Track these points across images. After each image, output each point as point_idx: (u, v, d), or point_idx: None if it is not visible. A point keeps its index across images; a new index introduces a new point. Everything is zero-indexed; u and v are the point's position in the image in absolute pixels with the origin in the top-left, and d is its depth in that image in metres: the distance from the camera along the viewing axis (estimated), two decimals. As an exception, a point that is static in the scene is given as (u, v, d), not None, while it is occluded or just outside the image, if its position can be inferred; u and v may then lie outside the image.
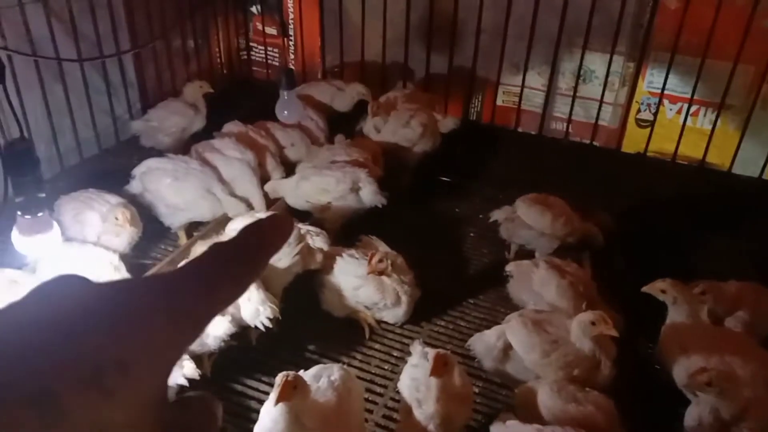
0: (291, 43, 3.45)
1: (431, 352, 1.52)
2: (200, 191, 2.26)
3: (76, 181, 2.37)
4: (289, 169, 2.57)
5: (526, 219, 2.19)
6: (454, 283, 2.25)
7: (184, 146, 2.67)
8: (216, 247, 0.36)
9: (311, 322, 2.02)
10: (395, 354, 1.95)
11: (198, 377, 1.55)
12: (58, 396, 0.27)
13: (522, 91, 3.03)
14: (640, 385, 1.82)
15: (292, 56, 3.49)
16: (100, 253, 1.93)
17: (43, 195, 1.72)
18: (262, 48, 3.54)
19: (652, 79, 2.81)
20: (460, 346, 1.91)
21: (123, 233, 2.05)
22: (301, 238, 1.97)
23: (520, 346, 1.69)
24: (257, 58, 3.59)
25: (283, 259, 1.91)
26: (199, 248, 2.09)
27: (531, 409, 1.55)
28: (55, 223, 1.80)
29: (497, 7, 2.86)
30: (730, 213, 2.45)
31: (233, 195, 2.31)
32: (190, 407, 0.35)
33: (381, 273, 1.93)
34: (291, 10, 3.36)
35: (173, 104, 2.79)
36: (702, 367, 1.53)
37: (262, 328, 1.77)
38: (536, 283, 1.97)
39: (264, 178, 2.46)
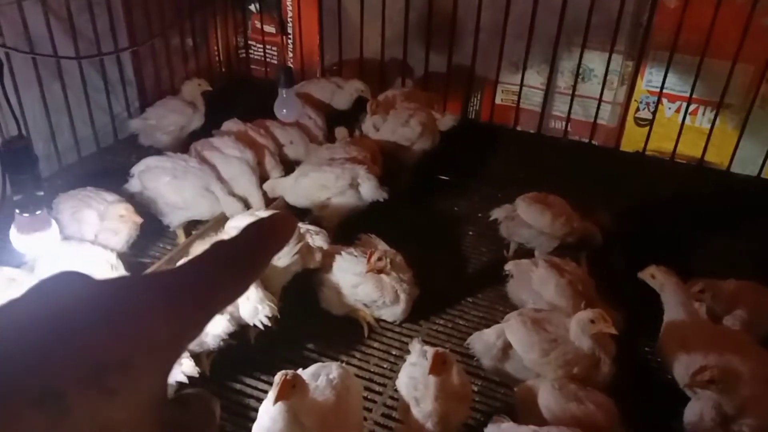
0: (290, 41, 3.45)
1: (430, 351, 1.52)
2: (199, 190, 2.26)
3: (75, 179, 2.37)
4: (288, 167, 2.57)
5: (526, 218, 2.19)
6: (453, 282, 2.25)
7: (182, 145, 2.66)
8: (217, 246, 0.36)
9: (310, 321, 2.02)
10: (394, 352, 1.94)
11: (197, 375, 1.55)
12: (62, 395, 0.27)
13: (521, 89, 3.03)
14: (639, 383, 1.82)
15: (290, 54, 3.48)
16: (98, 252, 1.93)
17: (42, 193, 1.72)
18: (261, 46, 3.53)
19: (651, 78, 2.81)
20: (459, 345, 1.91)
21: (123, 230, 2.05)
22: (301, 237, 1.97)
23: (519, 345, 1.69)
24: (256, 57, 3.59)
25: (283, 258, 1.91)
26: (198, 247, 2.09)
27: (531, 407, 1.55)
28: (53, 222, 1.80)
29: (496, 5, 2.86)
30: (729, 212, 2.45)
31: (232, 194, 2.31)
32: (188, 405, 0.35)
33: (380, 271, 1.93)
34: (290, 8, 3.36)
35: (172, 102, 2.78)
36: (702, 365, 1.53)
37: (260, 326, 1.77)
38: (535, 282, 1.97)
39: (263, 177, 2.46)
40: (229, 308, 1.72)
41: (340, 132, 2.74)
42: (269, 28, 3.48)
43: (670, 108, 2.83)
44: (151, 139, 2.73)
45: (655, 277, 1.86)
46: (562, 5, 2.73)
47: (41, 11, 2.38)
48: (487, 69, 3.05)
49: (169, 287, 0.33)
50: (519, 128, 3.12)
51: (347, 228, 2.29)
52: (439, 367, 1.47)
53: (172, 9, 2.97)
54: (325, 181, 2.28)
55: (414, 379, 1.55)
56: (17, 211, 1.72)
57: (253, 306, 1.74)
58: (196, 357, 1.68)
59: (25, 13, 2.31)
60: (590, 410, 1.48)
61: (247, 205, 2.32)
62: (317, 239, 2.01)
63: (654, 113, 2.83)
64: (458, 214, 2.66)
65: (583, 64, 2.87)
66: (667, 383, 1.76)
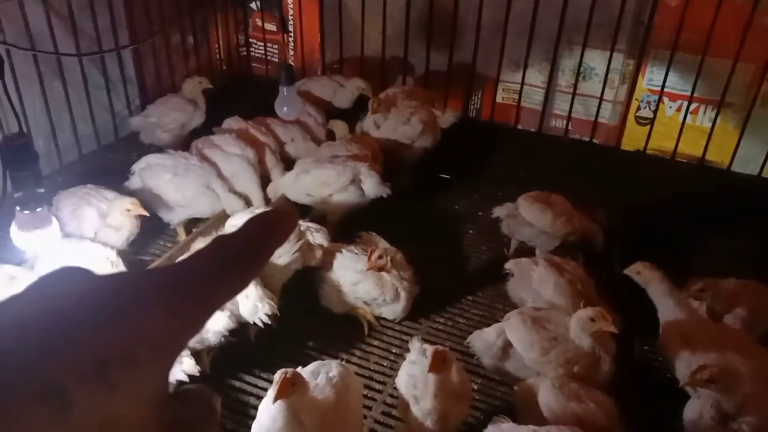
0: (290, 39, 3.45)
1: (430, 349, 1.52)
2: (200, 187, 2.26)
3: (75, 176, 2.37)
4: (289, 165, 2.57)
5: (528, 217, 2.19)
6: (453, 280, 2.25)
7: (183, 142, 2.66)
8: (219, 240, 0.36)
9: (310, 319, 2.02)
10: (394, 350, 1.95)
11: (197, 373, 1.55)
12: (64, 390, 0.27)
13: (522, 88, 3.02)
14: (638, 382, 1.82)
15: (291, 52, 3.48)
16: (98, 249, 1.93)
17: (42, 190, 1.72)
18: (262, 44, 3.53)
19: (651, 77, 2.80)
20: (459, 344, 1.91)
21: (126, 226, 2.06)
22: (301, 235, 1.97)
23: (519, 343, 1.69)
24: (257, 55, 3.59)
25: (283, 256, 1.91)
26: (198, 244, 2.09)
27: (531, 406, 1.55)
28: (54, 219, 1.80)
29: (497, 3, 2.86)
30: (730, 211, 2.45)
31: (233, 191, 2.31)
32: (189, 400, 0.34)
33: (380, 269, 1.94)
34: (290, 6, 3.36)
35: (172, 100, 2.78)
36: (702, 364, 1.53)
37: (260, 324, 1.77)
38: (535, 281, 1.97)
39: (264, 175, 2.46)
40: (230, 306, 1.72)
41: (338, 127, 2.72)
42: (270, 26, 3.47)
43: (671, 107, 2.83)
44: (151, 136, 2.72)
45: (640, 273, 1.88)
46: (563, 4, 2.73)
47: (42, 8, 2.38)
48: (488, 67, 3.05)
49: (170, 283, 0.33)
50: (520, 127, 3.12)
51: (347, 226, 2.29)
52: (438, 364, 1.47)
53: (172, 6, 2.97)
54: (327, 178, 2.28)
55: (413, 377, 1.55)
56: (18, 208, 1.71)
57: (252, 304, 1.74)
58: (197, 354, 1.68)
59: (26, 10, 2.31)
60: (590, 409, 1.49)
61: (248, 203, 2.32)
62: (317, 237, 2.01)
63: (655, 112, 2.83)
64: (459, 212, 2.66)
65: (584, 63, 2.87)
66: (666, 382, 1.76)
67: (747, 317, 1.87)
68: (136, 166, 2.35)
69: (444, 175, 2.86)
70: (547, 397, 1.53)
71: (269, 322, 1.78)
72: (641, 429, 1.64)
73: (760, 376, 1.55)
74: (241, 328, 1.82)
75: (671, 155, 2.86)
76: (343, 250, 2.03)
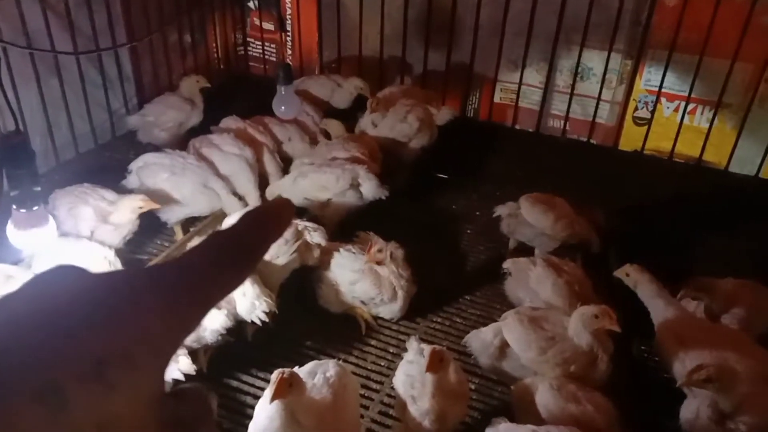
0: (288, 38, 3.44)
1: (427, 349, 1.52)
2: (197, 186, 2.26)
3: (72, 175, 2.36)
4: (287, 164, 2.57)
5: (529, 218, 2.20)
6: (450, 280, 2.25)
7: (181, 141, 2.66)
8: (214, 237, 0.36)
9: (307, 318, 2.02)
10: (391, 350, 1.95)
11: (194, 372, 1.55)
12: (61, 389, 0.27)
13: (519, 88, 3.03)
14: (635, 382, 1.83)
15: (289, 52, 3.48)
16: (95, 248, 1.93)
17: (39, 189, 1.72)
18: (260, 43, 3.53)
19: (649, 77, 2.81)
20: (457, 343, 1.90)
21: (126, 225, 2.05)
22: (299, 234, 1.97)
23: (516, 343, 1.69)
24: (254, 54, 3.58)
25: (281, 256, 1.92)
26: (195, 243, 2.08)
27: (528, 406, 1.55)
28: (50, 218, 1.80)
29: (495, 3, 2.86)
30: (727, 211, 2.45)
31: (231, 190, 2.31)
32: (185, 399, 0.35)
33: (379, 263, 1.94)
34: (288, 5, 3.35)
35: (170, 99, 2.78)
36: (699, 364, 1.53)
37: (258, 322, 1.77)
38: (533, 281, 1.97)
39: (262, 174, 2.45)
40: (227, 304, 1.72)
41: (333, 126, 2.72)
42: (268, 25, 3.47)
43: (668, 107, 2.83)
44: (149, 135, 2.72)
45: (629, 275, 1.89)
46: (562, 3, 2.73)
47: (39, 6, 2.37)
48: (486, 67, 3.05)
49: (166, 280, 0.33)
50: (518, 127, 3.12)
51: (345, 226, 2.28)
52: (435, 364, 1.47)
53: (170, 5, 2.97)
54: (326, 183, 2.28)
55: (411, 377, 1.55)
56: (14, 206, 1.71)
57: (250, 302, 1.74)
58: (194, 353, 1.68)
59: (23, 8, 2.31)
60: (587, 409, 1.49)
61: (246, 202, 2.32)
62: (315, 236, 2.01)
63: (652, 112, 2.83)
64: (456, 212, 2.66)
65: (582, 63, 2.87)
66: (663, 382, 1.76)
67: (745, 317, 1.87)
68: (134, 165, 2.34)
69: (442, 175, 2.86)
70: (544, 397, 1.53)
71: (267, 320, 1.78)
72: (638, 429, 1.64)
73: (757, 375, 1.55)
74: (238, 327, 1.81)
75: (669, 156, 2.86)
76: (341, 250, 2.03)
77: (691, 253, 2.32)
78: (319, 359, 1.61)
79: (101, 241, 2.00)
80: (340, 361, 1.61)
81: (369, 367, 1.89)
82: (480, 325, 1.85)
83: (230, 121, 2.70)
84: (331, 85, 3.04)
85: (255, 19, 3.49)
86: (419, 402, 1.50)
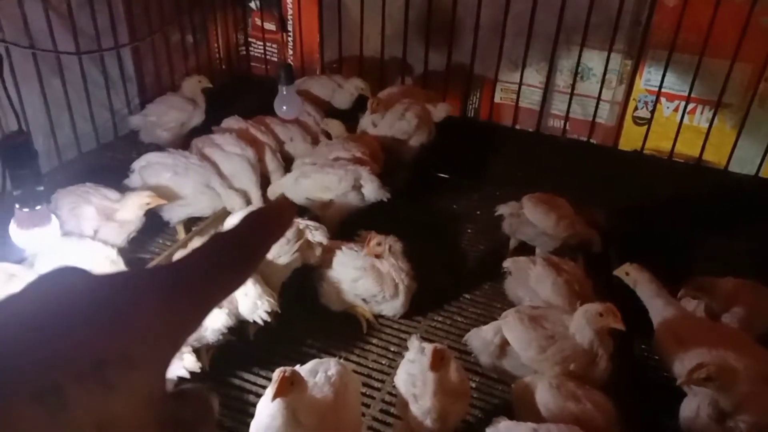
0: (290, 38, 3.45)
1: (428, 347, 1.53)
2: (200, 186, 2.26)
3: (74, 175, 2.36)
4: (288, 164, 2.57)
5: (531, 218, 2.20)
6: (451, 279, 2.26)
7: (183, 141, 2.66)
8: (215, 237, 0.36)
9: (309, 317, 2.03)
10: (392, 348, 1.95)
11: (198, 369, 1.56)
12: (61, 390, 0.27)
13: (520, 88, 3.03)
14: (635, 380, 1.83)
15: (290, 52, 3.48)
16: (98, 248, 1.93)
17: (42, 188, 1.72)
18: (261, 43, 3.53)
19: (649, 77, 2.81)
20: (457, 342, 1.91)
21: (131, 223, 2.06)
22: (300, 234, 1.97)
23: (516, 342, 1.69)
24: (256, 54, 3.59)
25: (283, 256, 1.92)
26: (197, 243, 2.09)
27: (528, 405, 1.56)
28: (53, 217, 1.80)
29: (495, 3, 2.86)
30: (727, 211, 2.45)
31: (233, 190, 2.31)
32: (186, 399, 0.35)
33: (378, 256, 1.95)
34: (290, 5, 3.36)
35: (172, 99, 2.78)
36: (699, 363, 1.54)
37: (260, 322, 1.77)
38: (532, 280, 1.97)
39: (263, 174, 2.46)
40: (228, 304, 1.73)
41: (333, 126, 2.72)
42: (269, 26, 3.47)
43: (668, 107, 2.83)
44: (151, 135, 2.73)
45: (629, 274, 1.89)
46: (562, 4, 2.74)
47: (41, 6, 2.38)
48: (486, 67, 3.05)
49: (167, 281, 0.33)
50: (518, 127, 3.12)
51: (346, 225, 2.29)
52: (438, 362, 1.48)
53: (172, 5, 2.97)
54: (329, 183, 2.28)
55: (412, 375, 1.55)
56: (17, 206, 1.72)
57: (252, 302, 1.75)
58: (196, 352, 1.68)
59: (26, 9, 2.31)
60: (587, 408, 1.49)
61: (249, 202, 2.33)
62: (317, 235, 2.02)
63: (652, 112, 2.83)
64: (457, 211, 2.66)
65: (582, 63, 2.87)
66: (663, 380, 1.76)
67: (745, 316, 1.87)
68: (136, 165, 2.35)
69: (442, 175, 2.87)
70: (543, 396, 1.53)
71: (269, 320, 1.78)
72: (638, 428, 1.65)
73: (757, 374, 1.56)
74: (240, 327, 1.82)
75: (668, 155, 2.86)
76: (343, 247, 2.04)
77: (691, 253, 2.32)
78: (321, 358, 1.62)
79: (105, 240, 2.01)
80: (342, 360, 1.62)
81: (370, 366, 1.90)
82: (481, 324, 1.86)
83: (232, 121, 2.71)
84: (332, 85, 3.04)
85: (256, 19, 3.50)
86: (421, 401, 1.50)
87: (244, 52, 3.60)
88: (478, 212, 2.62)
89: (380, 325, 2.04)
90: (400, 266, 1.98)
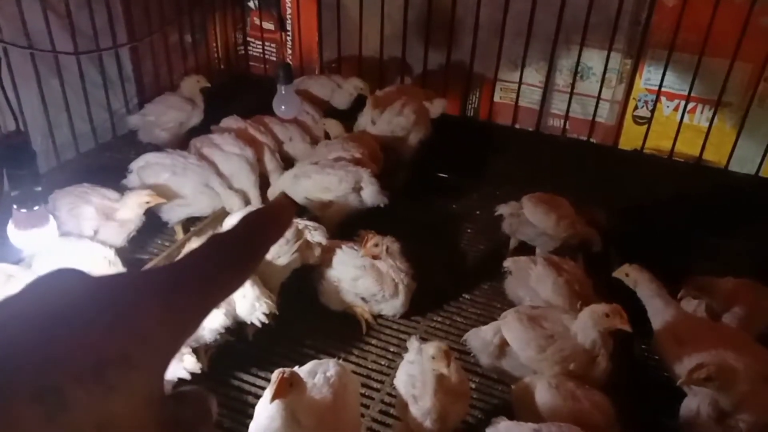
0: (288, 38, 3.44)
1: (428, 347, 1.52)
2: (199, 186, 2.26)
3: (72, 175, 2.36)
4: (287, 164, 2.57)
5: (531, 218, 2.20)
6: (450, 279, 2.25)
7: (181, 141, 2.66)
8: (214, 239, 0.36)
9: (308, 318, 2.02)
10: (392, 349, 1.95)
11: (198, 369, 1.55)
12: (61, 391, 0.27)
13: (519, 87, 3.03)
14: (634, 380, 1.83)
15: (289, 51, 3.48)
16: (95, 248, 1.93)
17: (40, 189, 1.72)
18: (260, 43, 3.53)
19: (649, 76, 2.81)
20: (457, 342, 1.91)
21: (131, 222, 2.06)
22: (299, 234, 1.97)
23: (515, 342, 1.69)
24: (255, 53, 3.58)
25: (283, 256, 1.92)
26: (196, 243, 2.09)
27: (528, 405, 1.56)
28: (51, 217, 1.80)
29: (495, 3, 2.86)
30: (727, 210, 2.45)
31: (232, 189, 2.31)
32: (185, 401, 0.35)
33: (375, 257, 1.95)
34: (289, 5, 3.35)
35: (170, 99, 2.78)
36: (699, 363, 1.54)
37: (258, 324, 1.77)
38: (533, 280, 1.97)
39: (262, 174, 2.46)
40: (226, 304, 1.72)
41: (332, 126, 2.72)
42: (268, 25, 3.47)
43: (668, 106, 2.83)
44: (150, 135, 2.72)
45: (628, 274, 1.89)
46: (561, 3, 2.73)
47: (39, 6, 2.37)
48: (486, 67, 3.05)
49: (166, 283, 0.33)
50: (517, 126, 3.12)
51: (345, 224, 2.29)
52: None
53: (171, 5, 2.97)
54: (328, 184, 2.28)
55: (412, 376, 1.55)
56: (15, 206, 1.71)
57: (250, 303, 1.74)
58: (195, 352, 1.68)
59: (24, 8, 2.31)
60: (586, 407, 1.49)
61: (248, 202, 2.32)
62: (316, 235, 2.02)
63: (652, 111, 2.83)
64: (456, 211, 2.66)
65: (581, 62, 2.87)
66: (663, 380, 1.76)
67: (745, 316, 1.87)
68: (135, 165, 2.34)
69: (442, 175, 2.87)
70: (543, 396, 1.53)
71: (267, 322, 1.78)
72: (638, 427, 1.65)
73: (757, 374, 1.56)
74: (239, 327, 1.82)
75: (668, 155, 2.86)
76: (343, 246, 2.04)
77: (691, 252, 2.32)
78: (320, 359, 1.62)
79: (105, 240, 2.01)
80: (341, 361, 1.62)
81: (369, 367, 1.89)
82: (480, 324, 1.86)
83: (231, 121, 2.70)
84: (331, 85, 3.04)
85: (255, 18, 3.49)
86: (421, 401, 1.50)
87: (243, 52, 3.59)
88: (478, 212, 2.62)
89: (379, 325, 2.04)
90: (398, 266, 1.97)
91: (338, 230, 2.24)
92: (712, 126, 2.73)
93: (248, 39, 3.56)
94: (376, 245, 1.97)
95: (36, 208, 1.72)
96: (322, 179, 2.29)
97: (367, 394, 1.78)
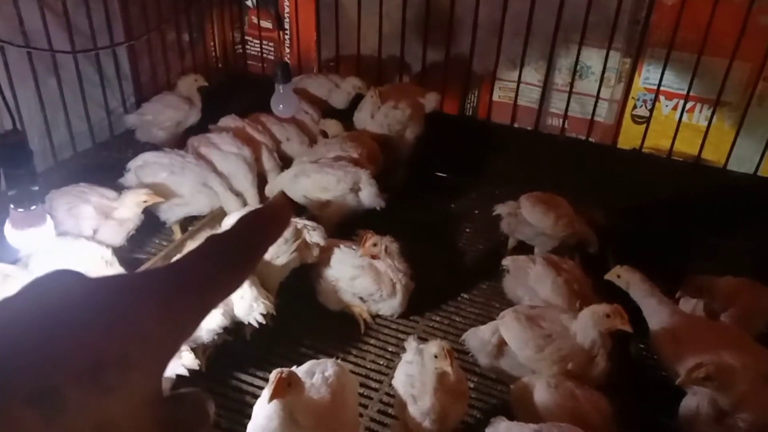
0: (286, 37, 3.44)
1: (428, 347, 1.52)
2: (197, 185, 2.25)
3: (70, 174, 2.35)
4: (285, 163, 2.57)
5: (529, 218, 2.20)
6: (449, 279, 2.25)
7: (179, 140, 2.66)
8: (213, 239, 0.36)
9: (306, 318, 2.02)
10: (390, 349, 1.95)
11: (197, 367, 1.55)
12: (58, 392, 0.27)
13: (518, 86, 3.02)
14: (633, 380, 1.83)
15: (287, 50, 3.47)
16: (92, 248, 1.92)
17: (37, 188, 1.71)
18: (258, 42, 3.52)
19: (648, 75, 2.80)
20: (455, 342, 1.90)
21: (130, 221, 2.06)
22: (298, 234, 1.97)
23: (513, 341, 1.69)
24: (252, 52, 3.57)
25: (281, 256, 1.91)
26: (194, 243, 2.08)
27: (526, 405, 1.56)
28: (48, 217, 1.79)
29: (494, 2, 2.85)
30: (726, 209, 2.45)
31: (230, 189, 2.30)
32: (182, 403, 0.35)
33: (374, 257, 1.95)
34: (286, 3, 3.35)
35: (168, 98, 2.77)
36: (698, 362, 1.53)
37: (255, 324, 1.77)
38: (532, 279, 1.97)
39: (260, 173, 2.45)
40: (223, 304, 1.72)
41: (331, 126, 2.71)
42: (266, 24, 3.46)
43: (667, 105, 2.83)
44: (147, 134, 2.72)
45: (620, 276, 1.88)
46: (560, 2, 2.73)
47: (36, 5, 2.37)
48: (484, 66, 3.04)
49: (164, 284, 0.33)
50: (516, 125, 3.12)
51: (344, 224, 2.29)
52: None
53: (168, 4, 2.96)
54: (327, 184, 2.28)
55: (411, 376, 1.55)
56: (12, 206, 1.71)
57: (248, 304, 1.74)
58: (193, 352, 1.67)
59: (20, 7, 2.30)
60: (584, 407, 1.49)
61: (246, 201, 2.32)
62: (314, 235, 2.01)
63: (651, 111, 2.83)
64: (455, 211, 2.66)
65: (580, 62, 2.87)
66: (661, 380, 1.76)
67: (744, 315, 1.87)
68: (132, 164, 2.34)
69: (440, 174, 2.87)
70: (541, 396, 1.53)
71: (264, 322, 1.77)
72: (637, 427, 1.65)
73: (756, 372, 1.56)
74: (237, 327, 1.81)
75: (667, 154, 2.86)
76: (341, 246, 2.03)
77: (690, 252, 2.32)
78: (318, 358, 1.61)
79: (104, 239, 2.01)
80: (339, 360, 1.61)
81: (368, 366, 1.89)
82: (479, 324, 1.86)
83: (229, 120, 2.70)
84: (330, 84, 3.04)
85: (253, 17, 3.48)
86: (420, 401, 1.50)
87: (241, 51, 3.58)
88: (477, 211, 2.62)
89: (378, 325, 2.04)
90: (396, 266, 1.97)
91: (337, 229, 2.24)
92: (711, 125, 2.73)
93: (246, 38, 3.56)
94: (375, 245, 1.97)
95: (33, 207, 1.71)
96: (321, 178, 2.29)
97: (365, 393, 1.78)
